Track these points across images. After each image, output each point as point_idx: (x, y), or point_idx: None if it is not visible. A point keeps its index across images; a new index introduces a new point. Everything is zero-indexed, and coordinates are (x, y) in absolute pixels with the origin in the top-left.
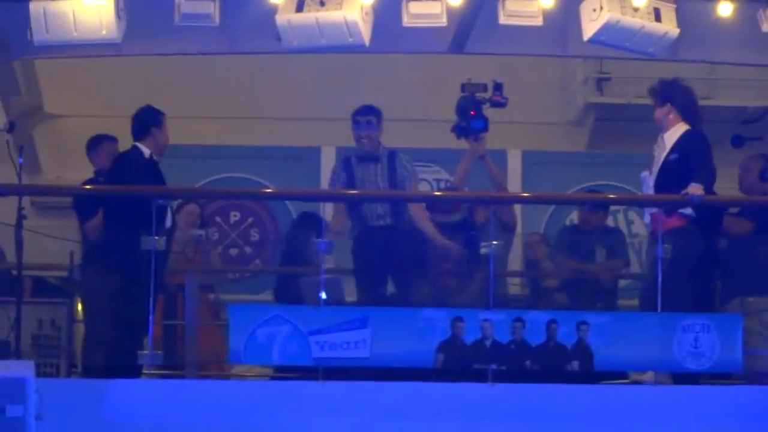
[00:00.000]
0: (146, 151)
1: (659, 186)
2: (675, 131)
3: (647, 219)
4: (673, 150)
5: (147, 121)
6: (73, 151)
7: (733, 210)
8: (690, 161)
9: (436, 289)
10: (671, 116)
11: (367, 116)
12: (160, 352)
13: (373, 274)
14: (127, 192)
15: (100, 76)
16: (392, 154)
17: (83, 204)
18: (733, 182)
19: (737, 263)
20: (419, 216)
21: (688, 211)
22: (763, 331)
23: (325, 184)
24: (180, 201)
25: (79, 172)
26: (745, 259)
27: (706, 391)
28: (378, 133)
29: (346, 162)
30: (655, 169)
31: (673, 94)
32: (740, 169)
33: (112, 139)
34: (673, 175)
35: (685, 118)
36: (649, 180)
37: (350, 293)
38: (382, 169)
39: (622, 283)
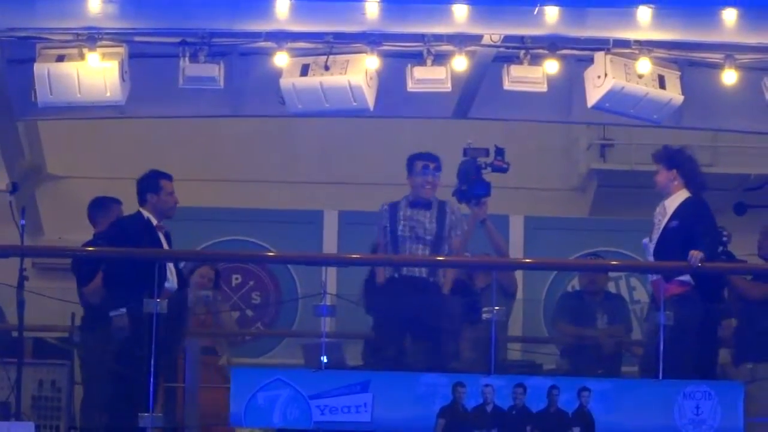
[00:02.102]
0: (149, 216)
1: (659, 252)
2: (677, 198)
3: (650, 288)
4: (674, 217)
5: (144, 187)
6: (75, 212)
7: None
8: (692, 228)
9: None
10: (676, 182)
11: (434, 162)
12: (160, 414)
13: (397, 325)
14: (129, 255)
15: (104, 138)
16: (442, 203)
17: (82, 267)
18: (736, 250)
19: (748, 329)
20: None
21: (687, 278)
22: (766, 399)
23: (327, 247)
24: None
25: (80, 233)
26: (755, 325)
27: None
28: (438, 179)
29: (393, 208)
30: (656, 235)
31: (681, 162)
32: (761, 235)
33: (120, 203)
34: (674, 242)
35: (688, 186)
36: (648, 247)
37: (353, 358)
38: (432, 216)
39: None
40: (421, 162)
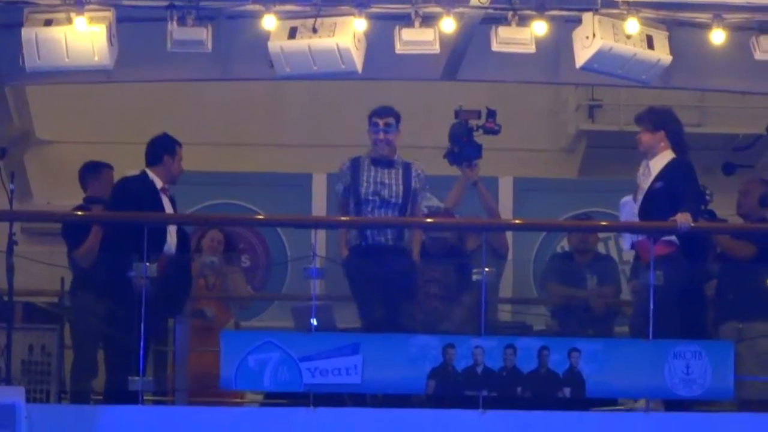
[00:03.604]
0: (154, 178)
1: (644, 213)
2: (661, 158)
3: (627, 246)
4: (659, 178)
5: (161, 148)
6: (64, 177)
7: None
8: (676, 189)
9: (427, 314)
10: (662, 143)
11: (386, 117)
12: (150, 378)
13: (371, 293)
14: (119, 218)
15: (92, 103)
16: (407, 165)
17: (72, 231)
18: (724, 209)
19: (730, 288)
20: (417, 236)
21: (673, 238)
22: (755, 358)
23: (316, 210)
24: (194, 228)
25: (69, 198)
26: (739, 285)
27: (698, 418)
28: (395, 135)
29: (354, 163)
30: (640, 196)
31: (668, 123)
32: (739, 194)
33: (111, 168)
34: (659, 202)
35: (673, 147)
36: (631, 206)
37: (341, 320)
38: (398, 177)
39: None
40: (373, 118)
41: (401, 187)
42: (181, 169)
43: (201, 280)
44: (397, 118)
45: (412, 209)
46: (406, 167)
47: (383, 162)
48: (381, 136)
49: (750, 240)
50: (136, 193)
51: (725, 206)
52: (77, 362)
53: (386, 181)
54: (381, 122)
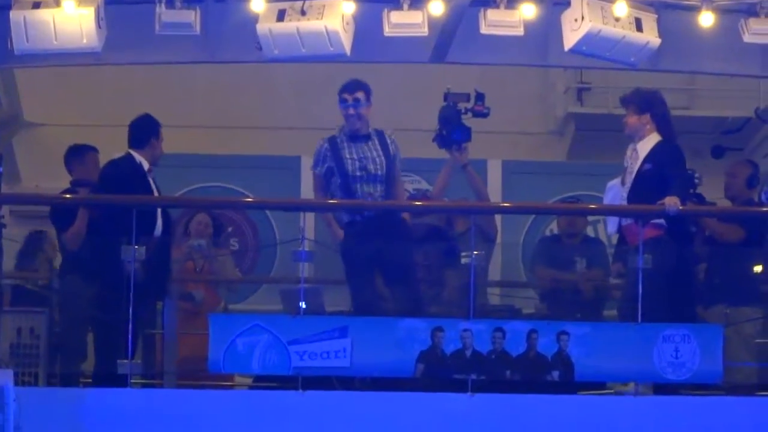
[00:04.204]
0: (141, 160)
1: (634, 196)
2: (649, 141)
3: (612, 229)
4: (647, 160)
5: (148, 130)
6: (53, 160)
7: None
8: (666, 172)
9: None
10: (648, 126)
11: (354, 93)
12: (139, 361)
13: (365, 271)
14: (108, 201)
15: (80, 85)
16: (380, 133)
17: (61, 214)
18: (713, 192)
19: (718, 272)
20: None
21: (662, 221)
22: (741, 343)
23: (305, 193)
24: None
25: (58, 181)
26: (726, 269)
27: (687, 402)
28: (366, 109)
29: (332, 143)
30: (629, 179)
31: (654, 105)
32: (727, 176)
33: (96, 150)
34: (648, 185)
35: (659, 130)
36: (619, 190)
37: (330, 303)
38: (377, 148)
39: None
40: (342, 94)
41: (383, 158)
42: (162, 150)
43: (189, 263)
44: (367, 91)
45: (394, 174)
46: (380, 136)
47: (359, 137)
48: (351, 111)
49: (738, 223)
50: (126, 176)
51: (714, 189)
52: (66, 345)
53: (368, 154)
54: (350, 98)
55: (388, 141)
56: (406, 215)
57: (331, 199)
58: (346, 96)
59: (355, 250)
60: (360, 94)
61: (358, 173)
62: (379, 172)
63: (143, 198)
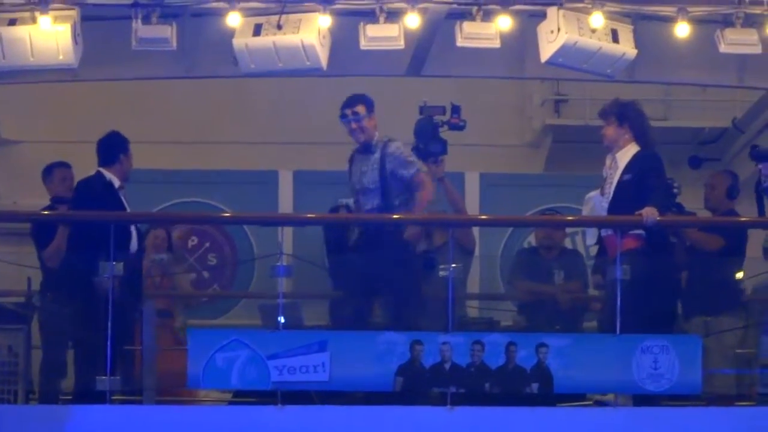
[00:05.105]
0: (111, 178)
1: (614, 207)
2: (627, 151)
3: (591, 241)
4: (626, 171)
5: (116, 148)
6: (30, 177)
7: None
8: (644, 182)
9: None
10: (627, 136)
11: (353, 107)
12: (118, 377)
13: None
14: (86, 218)
15: (58, 102)
16: (385, 144)
17: (41, 231)
18: (691, 202)
19: (698, 282)
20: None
21: (641, 231)
22: (722, 352)
23: (283, 208)
24: (147, 226)
25: (35, 198)
26: (706, 278)
27: (666, 413)
28: (368, 121)
29: (350, 157)
30: (608, 189)
31: (632, 116)
32: (706, 186)
33: (65, 165)
34: (628, 195)
35: (637, 140)
36: (599, 201)
37: (309, 317)
38: (375, 161)
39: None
40: (343, 110)
41: (377, 172)
42: (131, 166)
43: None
44: (368, 103)
45: (388, 188)
46: (384, 149)
47: (363, 149)
48: (353, 125)
49: (718, 232)
50: (99, 194)
51: (692, 199)
52: (46, 362)
53: (364, 168)
54: (350, 112)
55: (387, 153)
56: (410, 232)
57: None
58: (346, 111)
59: (343, 261)
60: (359, 108)
61: (357, 186)
62: (372, 186)
63: (121, 214)
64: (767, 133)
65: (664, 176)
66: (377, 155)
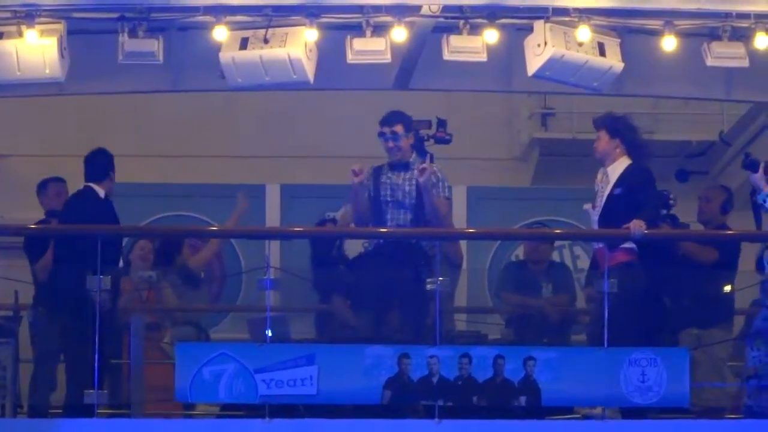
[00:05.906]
0: (101, 192)
1: (604, 220)
2: (619, 165)
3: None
4: (618, 184)
5: (106, 163)
6: (19, 191)
7: None
8: (636, 196)
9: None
10: (618, 150)
11: (392, 126)
12: (105, 391)
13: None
14: (76, 231)
15: (46, 116)
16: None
17: (33, 245)
18: (679, 215)
19: (688, 295)
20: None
21: (632, 245)
22: (712, 365)
23: (270, 221)
24: (130, 240)
25: (25, 212)
26: (696, 291)
27: (654, 426)
28: (405, 141)
29: (376, 171)
30: (599, 202)
31: (624, 130)
32: (701, 200)
33: (60, 180)
34: (619, 209)
35: (629, 153)
36: (592, 214)
37: (296, 331)
38: (412, 178)
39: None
40: (382, 127)
41: (414, 188)
42: (114, 181)
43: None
44: (406, 122)
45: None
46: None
47: (399, 166)
48: (391, 144)
49: (711, 245)
50: (93, 208)
51: (680, 213)
52: (37, 376)
53: (400, 183)
54: (388, 131)
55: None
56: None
57: (357, 215)
58: (384, 129)
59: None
60: (398, 128)
61: (389, 199)
62: (407, 201)
63: (112, 227)
64: (754, 147)
65: (654, 188)
66: (413, 172)
